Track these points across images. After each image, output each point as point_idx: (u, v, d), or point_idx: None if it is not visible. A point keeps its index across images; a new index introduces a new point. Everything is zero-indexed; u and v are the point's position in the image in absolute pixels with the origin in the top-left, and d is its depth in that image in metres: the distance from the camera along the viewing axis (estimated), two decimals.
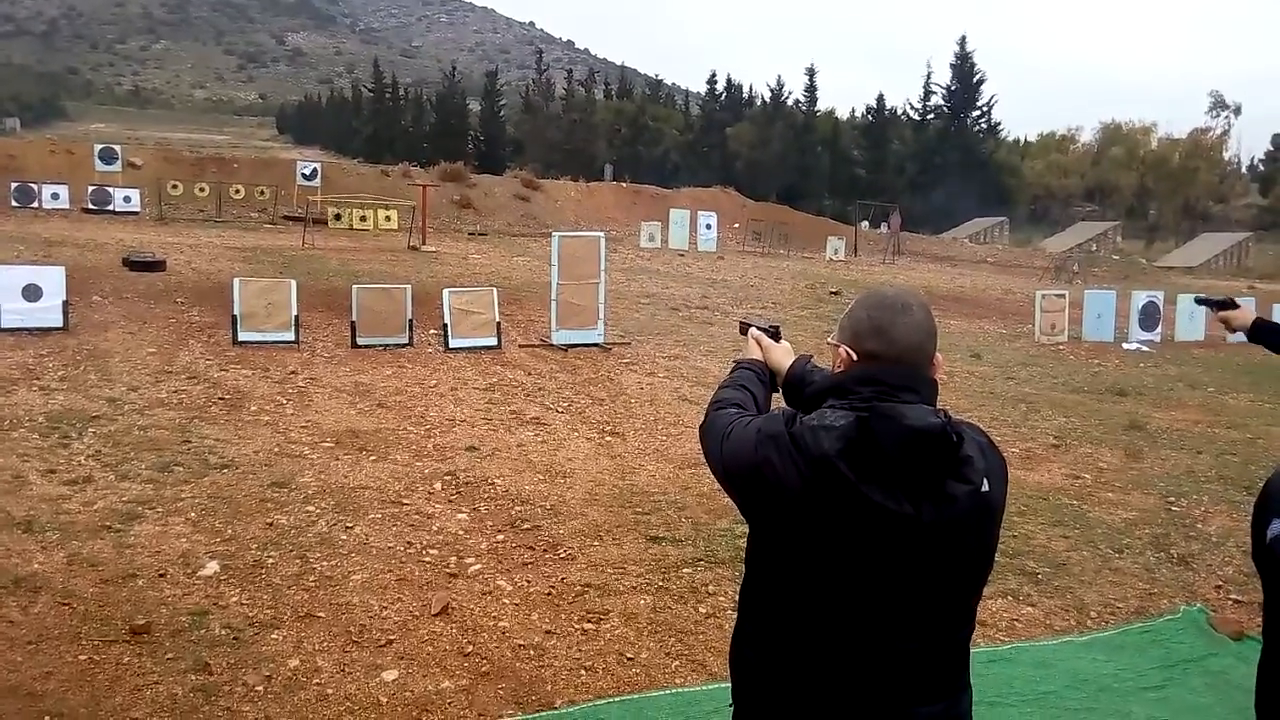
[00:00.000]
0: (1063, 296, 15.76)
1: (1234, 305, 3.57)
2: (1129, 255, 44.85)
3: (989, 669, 3.95)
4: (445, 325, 10.47)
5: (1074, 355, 13.79)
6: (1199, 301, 4.13)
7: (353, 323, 10.19)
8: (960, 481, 1.54)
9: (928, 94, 67.32)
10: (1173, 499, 6.64)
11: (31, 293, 9.63)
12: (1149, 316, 15.41)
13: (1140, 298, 15.73)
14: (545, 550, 5.09)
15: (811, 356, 2.08)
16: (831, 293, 18.71)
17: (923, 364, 1.64)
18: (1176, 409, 10.09)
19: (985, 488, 1.57)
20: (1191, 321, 15.55)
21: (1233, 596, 5.00)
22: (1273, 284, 32.30)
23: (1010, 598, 4.78)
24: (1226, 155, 65.21)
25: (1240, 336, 3.64)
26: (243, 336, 9.73)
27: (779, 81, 77.67)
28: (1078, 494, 6.66)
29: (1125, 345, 14.72)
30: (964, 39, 67.15)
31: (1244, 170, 70.56)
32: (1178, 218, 60.75)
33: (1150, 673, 4.08)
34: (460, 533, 5.28)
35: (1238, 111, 63.20)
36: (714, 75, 78.92)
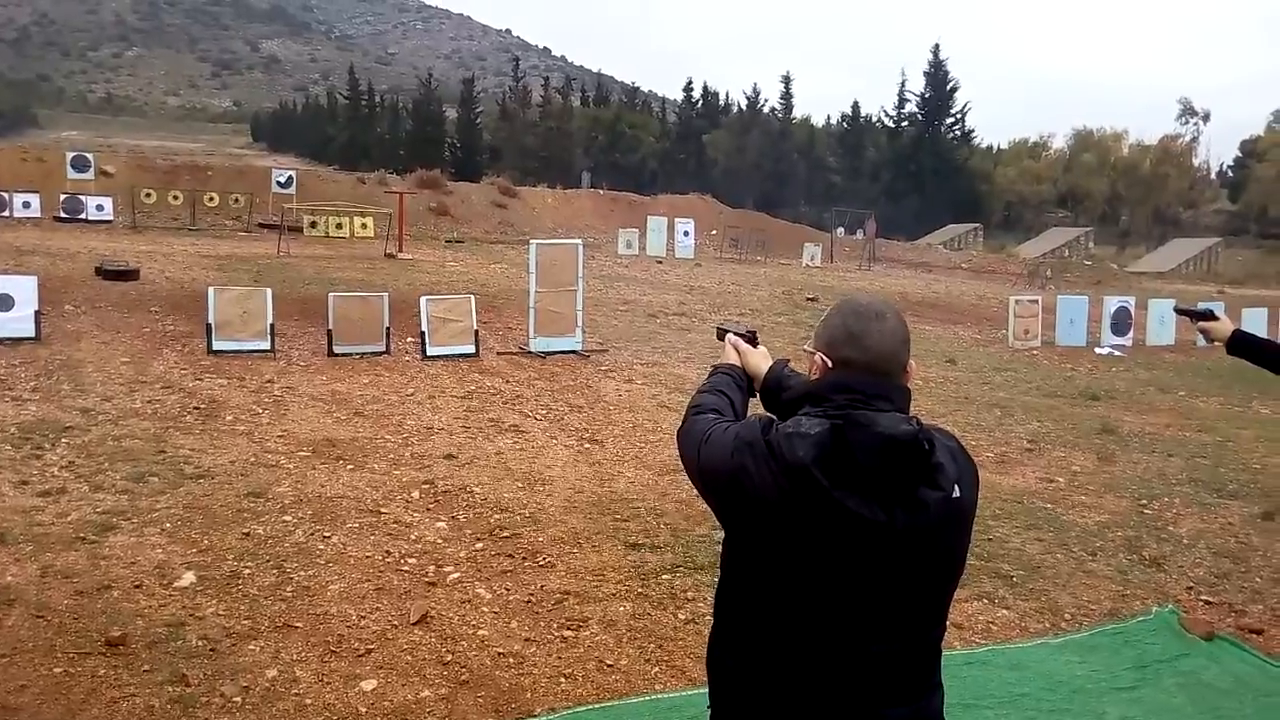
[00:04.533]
0: (1036, 302, 15.92)
1: (1213, 317, 3.60)
2: (1101, 261, 45.35)
3: (965, 671, 3.99)
4: (423, 333, 10.44)
5: (1047, 360, 13.93)
6: (1178, 311, 4.16)
7: (329, 331, 10.15)
8: (932, 488, 1.57)
9: (902, 101, 67.96)
10: (1144, 502, 6.72)
11: (3, 303, 9.52)
12: (1121, 322, 15.60)
13: (1112, 303, 15.93)
14: (524, 558, 5.09)
15: (788, 361, 2.11)
16: (808, 299, 18.80)
17: (896, 371, 1.67)
18: (1148, 413, 10.21)
19: (956, 493, 1.60)
20: (1162, 326, 15.76)
21: (1203, 598, 5.07)
22: (1243, 289, 32.74)
23: (985, 600, 4.82)
24: (1196, 162, 66.27)
25: (1214, 344, 3.67)
26: (217, 345, 9.66)
27: (755, 89, 78.03)
28: (1051, 497, 6.73)
29: (1097, 350, 14.89)
30: (937, 47, 67.75)
31: (1213, 176, 71.57)
32: (1149, 223, 61.53)
33: (1123, 674, 4.13)
34: (439, 541, 5.27)
35: (1206, 119, 64.31)
36: (691, 83, 79.47)
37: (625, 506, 5.99)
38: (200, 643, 3.94)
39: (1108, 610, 4.83)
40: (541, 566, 4.99)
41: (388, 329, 10.41)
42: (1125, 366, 13.75)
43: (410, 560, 4.97)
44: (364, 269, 18.09)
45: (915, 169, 62.87)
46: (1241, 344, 3.50)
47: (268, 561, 4.81)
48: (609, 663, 4.01)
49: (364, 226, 25.17)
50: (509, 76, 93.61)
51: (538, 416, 8.32)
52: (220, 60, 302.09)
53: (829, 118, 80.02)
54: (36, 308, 9.76)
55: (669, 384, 9.97)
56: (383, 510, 5.69)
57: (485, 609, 4.46)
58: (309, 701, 3.57)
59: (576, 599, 4.60)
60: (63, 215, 24.04)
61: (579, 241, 12.74)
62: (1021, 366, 13.16)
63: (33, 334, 9.58)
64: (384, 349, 10.28)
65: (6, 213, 23.38)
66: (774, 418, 1.72)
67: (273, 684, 3.67)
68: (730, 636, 1.73)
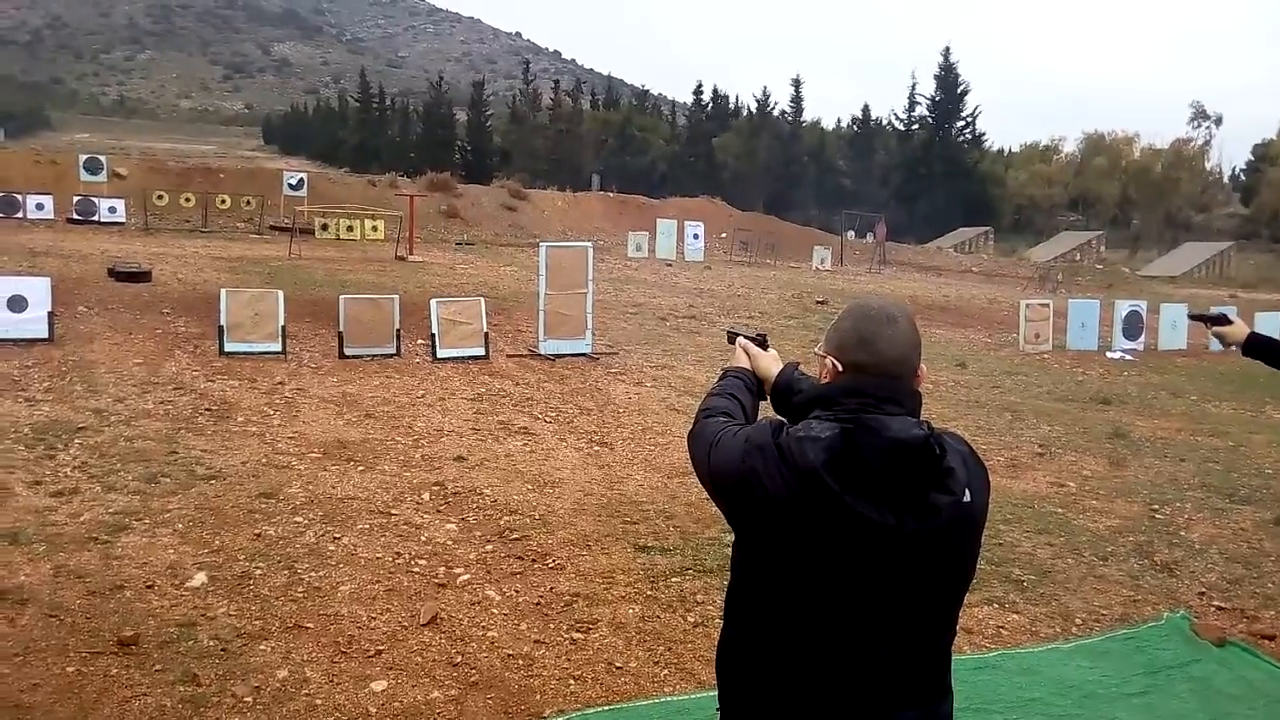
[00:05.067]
0: (1047, 306, 15.88)
1: (1227, 321, 3.58)
2: (1112, 264, 45.20)
3: (975, 676, 3.98)
4: (433, 335, 10.47)
5: (1058, 364, 13.88)
6: (1192, 317, 4.12)
7: (340, 333, 10.18)
8: (943, 493, 1.57)
9: (912, 105, 67.88)
10: (1156, 507, 6.70)
11: (16, 304, 9.58)
12: (1132, 325, 15.54)
13: (1123, 307, 15.86)
14: (534, 560, 5.10)
15: (799, 364, 2.11)
16: (818, 302, 18.78)
17: (907, 375, 1.67)
18: (1160, 417, 10.17)
19: (967, 498, 1.60)
20: (1174, 330, 15.68)
21: (1215, 603, 5.05)
22: (1255, 293, 32.61)
23: (996, 605, 4.81)
24: (1208, 165, 66.00)
25: (1230, 348, 3.64)
26: (229, 347, 9.70)
27: (765, 92, 78.17)
28: (1062, 502, 6.71)
29: (1109, 354, 14.83)
30: (948, 50, 67.57)
31: (1225, 180, 71.26)
32: (1160, 227, 61.30)
33: (1134, 679, 4.12)
34: (449, 543, 5.28)
35: (1219, 122, 63.96)
36: (700, 86, 79.36)
37: (635, 509, 6.00)
38: (211, 643, 3.95)
39: (1119, 615, 4.81)
40: (551, 569, 5.00)
41: (398, 331, 10.44)
42: (1137, 371, 13.69)
43: (420, 562, 4.98)
44: (374, 271, 18.14)
45: (926, 172, 62.75)
46: (1257, 346, 3.48)
47: (279, 562, 4.83)
48: (618, 665, 4.01)
49: (374, 229, 25.26)
50: (519, 79, 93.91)
51: (547, 419, 8.33)
52: (232, 63, 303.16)
53: (839, 121, 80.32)
54: (50, 309, 9.82)
55: (678, 387, 9.97)
56: (393, 512, 5.71)
57: (495, 611, 4.46)
58: (319, 702, 3.58)
59: (586, 601, 4.61)
60: (75, 217, 24.18)
61: (589, 244, 12.75)
62: (1032, 370, 13.12)
63: (46, 335, 9.64)
64: (394, 351, 10.31)
65: (20, 214, 23.55)
66: (784, 421, 1.73)
67: (283, 684, 3.68)
68: (740, 639, 1.73)
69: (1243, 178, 70.25)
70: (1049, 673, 4.13)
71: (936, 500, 1.56)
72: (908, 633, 1.62)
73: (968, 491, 1.60)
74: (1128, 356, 14.78)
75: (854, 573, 1.57)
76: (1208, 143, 64.43)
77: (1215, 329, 3.58)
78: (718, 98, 79.34)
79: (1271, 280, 40.46)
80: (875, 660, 1.60)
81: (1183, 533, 6.16)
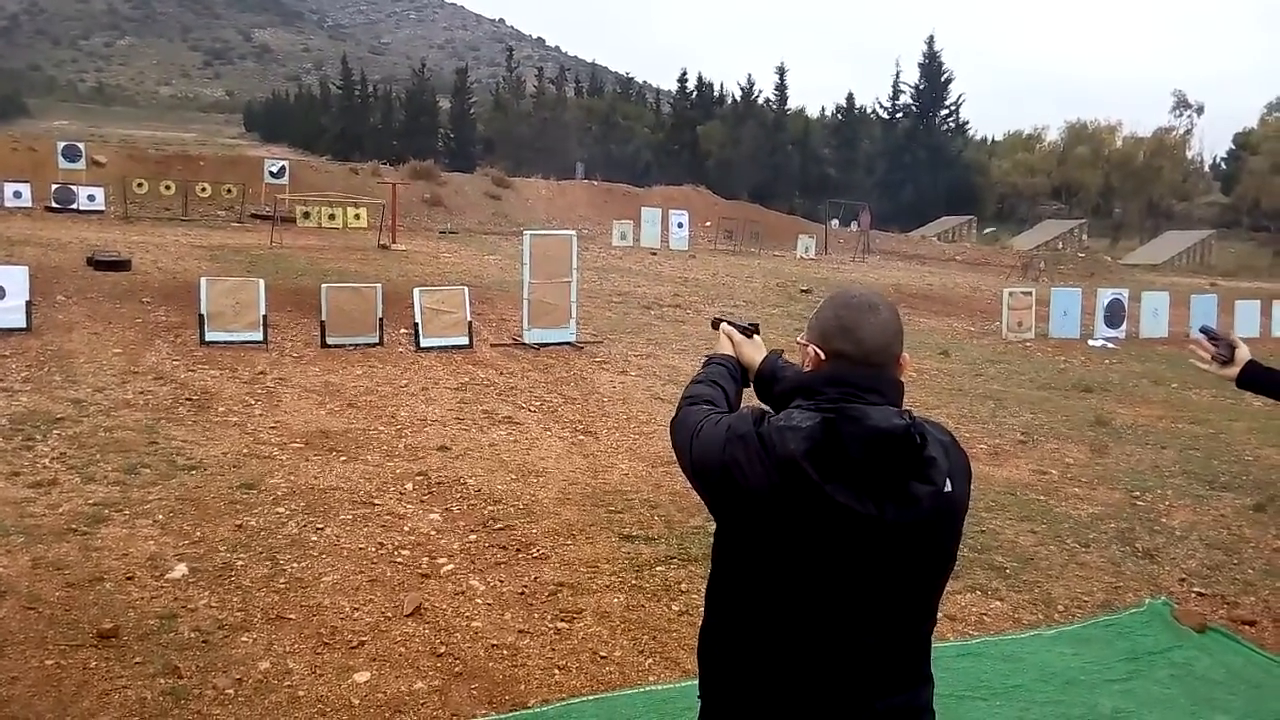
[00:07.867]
0: (1029, 294, 15.94)
1: (1231, 351, 3.32)
2: (1094, 253, 45.36)
3: (958, 663, 4.00)
4: (416, 324, 10.41)
5: (1041, 352, 13.95)
6: (1203, 331, 3.84)
7: (322, 322, 10.11)
8: (923, 482, 1.56)
9: (896, 93, 67.86)
10: (1138, 493, 6.74)
11: None
12: (1114, 314, 15.62)
13: (1105, 295, 15.94)
14: (518, 550, 5.08)
15: (782, 352, 2.10)
16: (802, 291, 18.80)
17: (889, 364, 1.66)
18: (1141, 405, 10.23)
19: (948, 488, 1.59)
20: (1155, 318, 15.78)
21: (1196, 589, 5.09)
22: (1235, 281, 32.86)
23: (979, 592, 4.83)
24: (1190, 154, 66.38)
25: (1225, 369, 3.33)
26: (210, 336, 9.63)
27: (749, 80, 77.90)
28: (1045, 489, 6.74)
29: (1091, 342, 14.91)
30: (932, 38, 67.54)
31: (1207, 169, 71.71)
32: (1142, 216, 61.66)
33: (1116, 665, 4.14)
34: (432, 533, 5.26)
35: (1200, 111, 64.36)
36: (685, 74, 78.95)
37: (619, 498, 5.99)
38: (192, 634, 3.93)
39: (1100, 602, 4.84)
40: (535, 558, 4.98)
41: (381, 320, 10.38)
42: (1118, 358, 13.77)
43: (404, 552, 4.96)
44: (357, 260, 18.04)
45: (910, 161, 62.79)
46: (1255, 377, 3.16)
47: (260, 553, 4.80)
48: (603, 654, 4.01)
49: (357, 217, 25.10)
50: (502, 67, 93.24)
51: (531, 408, 8.31)
52: (212, 49, 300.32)
53: (823, 109, 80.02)
54: (28, 298, 9.71)
55: (663, 376, 9.96)
56: (376, 502, 5.68)
57: (479, 601, 4.45)
58: (302, 693, 3.56)
59: (570, 591, 4.60)
60: (54, 205, 23.91)
61: (573, 233, 12.71)
62: (1015, 358, 13.17)
63: (24, 325, 9.53)
64: (377, 340, 10.25)
65: None
66: (767, 410, 1.72)
67: (265, 676, 3.66)
68: (721, 629, 1.72)
69: (1224, 166, 70.68)
70: (1031, 660, 4.15)
71: (917, 490, 1.56)
72: (888, 622, 1.61)
73: (949, 481, 1.59)
74: (1109, 344, 14.86)
75: (834, 563, 1.56)
76: (1189, 131, 64.87)
77: (1230, 336, 3.30)
78: (702, 85, 78.99)
79: (1251, 268, 40.81)
80: (855, 649, 1.60)
81: (1164, 519, 6.21)
